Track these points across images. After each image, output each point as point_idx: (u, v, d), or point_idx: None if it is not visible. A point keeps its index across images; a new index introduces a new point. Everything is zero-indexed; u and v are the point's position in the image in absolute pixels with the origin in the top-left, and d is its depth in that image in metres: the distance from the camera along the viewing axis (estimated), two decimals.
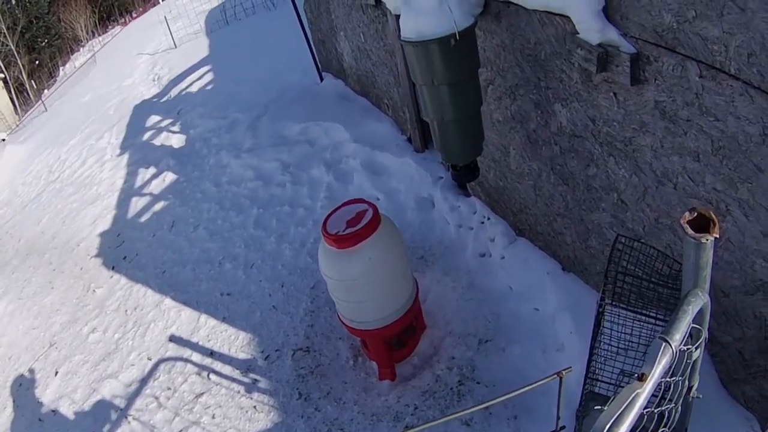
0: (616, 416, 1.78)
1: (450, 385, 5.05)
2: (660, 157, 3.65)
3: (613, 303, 3.63)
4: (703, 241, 2.10)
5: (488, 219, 6.16)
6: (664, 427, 2.55)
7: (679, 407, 2.70)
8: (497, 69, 5.00)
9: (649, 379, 1.90)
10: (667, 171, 3.65)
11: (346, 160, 7.93)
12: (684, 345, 2.24)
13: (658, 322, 3.60)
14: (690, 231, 2.11)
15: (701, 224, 2.12)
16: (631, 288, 3.64)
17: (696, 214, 2.12)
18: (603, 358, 3.76)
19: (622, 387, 3.71)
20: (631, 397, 1.84)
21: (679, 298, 3.47)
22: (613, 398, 1.86)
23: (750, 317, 3.52)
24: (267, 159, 8.62)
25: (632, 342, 3.77)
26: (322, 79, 10.26)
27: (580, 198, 4.67)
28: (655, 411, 2.37)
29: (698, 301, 2.21)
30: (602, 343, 3.73)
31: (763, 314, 3.41)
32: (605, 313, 3.64)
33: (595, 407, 3.38)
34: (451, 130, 4.53)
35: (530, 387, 2.57)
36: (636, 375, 1.94)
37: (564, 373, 2.55)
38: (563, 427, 2.74)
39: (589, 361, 3.70)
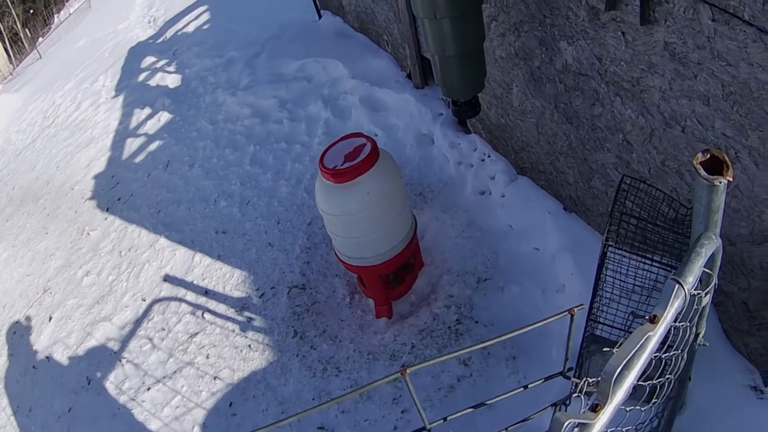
0: (627, 358, 1.72)
1: (448, 324, 4.99)
2: (668, 99, 3.55)
3: (617, 245, 3.55)
4: (716, 183, 2.02)
5: (489, 156, 6.04)
6: (670, 374, 2.53)
7: (685, 354, 2.68)
8: (501, 4, 4.86)
9: (661, 321, 1.84)
10: (675, 113, 3.56)
11: (345, 96, 7.78)
12: (695, 289, 2.18)
13: (661, 267, 3.56)
14: (703, 172, 2.02)
15: (714, 166, 2.04)
16: (635, 231, 3.57)
17: (709, 155, 2.03)
18: (605, 301, 3.74)
19: (626, 330, 3.66)
20: (643, 339, 1.78)
21: (684, 244, 3.41)
22: (624, 340, 1.79)
23: (756, 268, 3.46)
24: (264, 96, 8.48)
25: (635, 285, 3.76)
26: (320, 17, 10.05)
27: (584, 137, 4.58)
28: (663, 356, 2.33)
29: (711, 244, 2.14)
30: (605, 286, 3.69)
31: None
32: (608, 255, 3.56)
33: (604, 349, 3.29)
34: (452, 65, 4.40)
35: (537, 325, 2.45)
36: (647, 317, 1.87)
37: (576, 310, 2.42)
38: (571, 369, 2.62)
39: (592, 303, 3.64)
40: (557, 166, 5.11)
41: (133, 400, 5.48)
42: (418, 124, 6.88)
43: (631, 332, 2.16)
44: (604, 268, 3.56)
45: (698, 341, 2.85)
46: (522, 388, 2.64)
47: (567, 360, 2.68)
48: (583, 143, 4.61)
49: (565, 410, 2.55)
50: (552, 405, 2.60)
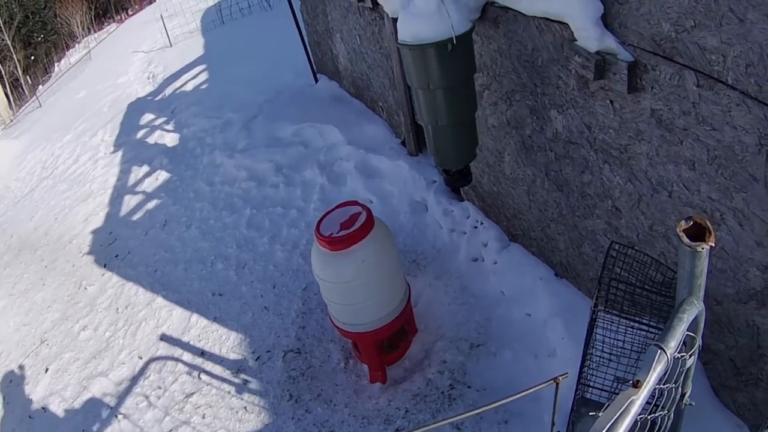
0: (611, 423, 1.76)
1: (441, 389, 5.05)
2: (655, 165, 3.67)
3: (606, 309, 3.65)
4: (699, 249, 2.10)
5: (481, 224, 6.17)
6: None
7: (672, 414, 2.70)
8: (494, 74, 5.02)
9: (644, 385, 1.89)
10: (662, 179, 3.67)
11: (340, 162, 7.92)
12: (678, 352, 2.24)
13: (650, 330, 3.62)
14: (686, 239, 2.10)
15: (697, 233, 2.12)
16: (624, 295, 3.66)
17: (692, 222, 2.12)
18: (595, 364, 3.77)
19: (615, 393, 3.74)
20: (626, 404, 1.82)
21: (672, 306, 3.50)
22: (608, 404, 1.83)
23: (743, 326, 3.54)
24: (260, 159, 8.60)
25: (624, 349, 3.78)
26: (317, 81, 10.26)
27: (574, 204, 4.69)
28: (648, 417, 2.37)
29: (693, 310, 2.20)
30: (595, 349, 3.74)
31: (756, 323, 3.43)
32: (598, 320, 3.66)
33: (589, 413, 3.39)
34: (445, 134, 4.56)
35: (526, 393, 2.56)
36: (631, 381, 1.91)
37: (561, 378, 2.54)
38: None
39: (582, 366, 3.69)
40: (548, 233, 5.22)
41: None
42: (412, 191, 7.02)
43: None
44: (593, 333, 3.65)
45: (684, 401, 2.88)
46: None
47: (554, 425, 2.80)
48: (573, 210, 4.72)
49: None
50: None
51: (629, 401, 1.83)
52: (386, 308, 5.02)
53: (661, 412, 2.48)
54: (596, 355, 3.76)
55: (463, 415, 2.51)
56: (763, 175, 2.98)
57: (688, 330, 2.30)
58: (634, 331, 3.69)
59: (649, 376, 1.91)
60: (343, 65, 9.21)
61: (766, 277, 3.24)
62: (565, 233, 4.97)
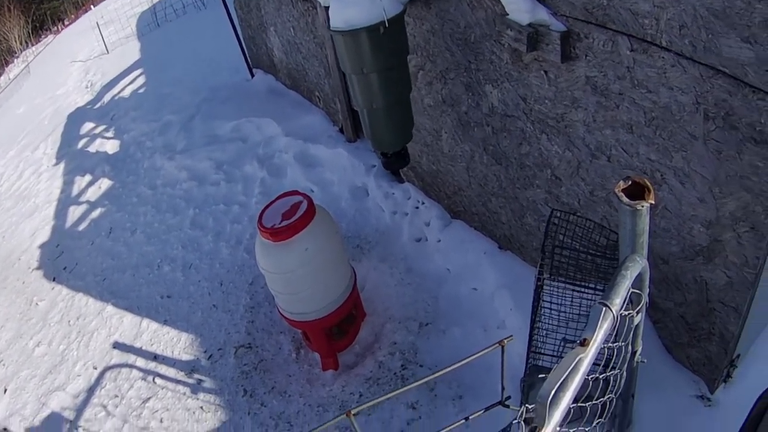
0: (560, 382, 1.77)
1: (393, 370, 5.12)
2: (593, 131, 3.73)
3: (551, 277, 3.70)
4: (638, 207, 2.12)
5: (423, 203, 6.22)
6: (610, 393, 2.56)
7: (624, 373, 2.71)
8: (427, 54, 5.06)
9: (591, 343, 1.89)
10: (600, 144, 3.73)
11: (279, 154, 7.94)
12: (625, 310, 2.25)
13: (597, 293, 3.66)
14: (625, 199, 2.11)
15: (636, 192, 2.14)
16: (568, 261, 3.70)
17: (630, 182, 2.14)
18: (544, 332, 3.81)
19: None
20: (574, 362, 1.83)
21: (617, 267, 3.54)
22: (557, 365, 1.83)
23: (691, 282, 3.61)
24: (200, 158, 8.57)
25: (573, 314, 3.83)
26: (253, 76, 10.24)
27: (513, 176, 4.75)
28: (600, 377, 2.40)
29: (636, 266, 2.19)
30: (543, 317, 3.79)
31: (704, 278, 3.50)
32: (544, 288, 3.71)
33: (539, 376, 3.43)
34: (381, 117, 4.58)
35: (471, 358, 2.59)
36: (578, 341, 1.92)
37: (506, 341, 2.57)
38: (509, 397, 2.76)
39: (531, 335, 3.75)
40: (490, 207, 5.28)
41: None
42: (352, 177, 7.06)
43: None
44: (540, 300, 3.69)
45: (636, 359, 2.90)
46: (463, 420, 2.77)
47: (504, 389, 2.83)
48: (513, 182, 4.78)
49: None
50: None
51: (577, 359, 1.84)
52: (332, 295, 5.06)
53: (612, 371, 2.50)
54: (545, 323, 3.81)
55: (412, 385, 2.53)
56: (701, 133, 3.04)
57: (633, 287, 2.30)
58: (582, 295, 3.75)
59: (596, 333, 1.91)
60: (279, 58, 9.19)
61: (710, 233, 3.30)
62: (507, 206, 5.03)
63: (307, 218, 4.77)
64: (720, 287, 3.44)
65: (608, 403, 2.58)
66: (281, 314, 5.26)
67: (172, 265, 7.21)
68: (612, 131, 3.60)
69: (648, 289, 2.56)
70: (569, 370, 1.80)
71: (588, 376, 2.35)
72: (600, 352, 2.41)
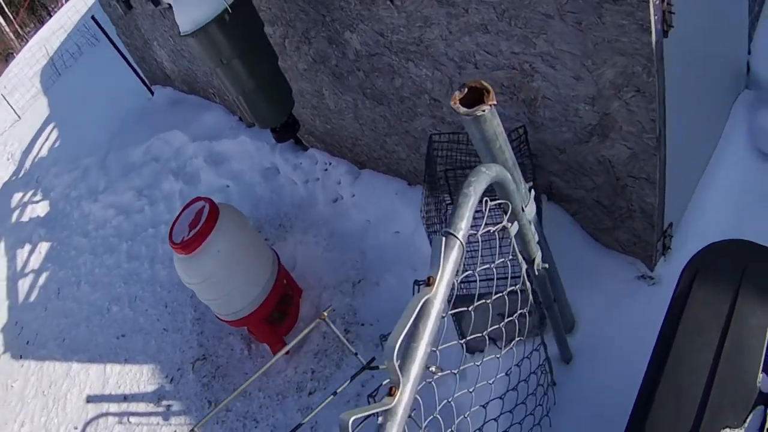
0: (405, 331, 1.61)
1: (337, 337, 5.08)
2: (452, 43, 3.66)
3: (440, 199, 3.65)
4: (478, 114, 2.01)
5: (330, 164, 6.18)
6: (521, 309, 2.52)
7: (529, 284, 2.65)
8: (287, 21, 5.02)
9: (437, 280, 1.73)
10: (463, 54, 3.66)
11: (190, 161, 7.88)
12: (494, 223, 2.15)
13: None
14: (462, 109, 2.00)
15: (476, 98, 2.03)
16: (456, 179, 3.65)
17: (467, 89, 2.03)
18: None
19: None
20: (419, 305, 1.66)
21: None
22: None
23: (594, 164, 3.52)
24: (122, 191, 8.50)
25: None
26: (152, 93, 10.19)
27: (397, 112, 4.72)
28: (506, 296, 2.33)
29: (482, 178, 2.03)
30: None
31: (605, 156, 3.41)
32: (434, 212, 3.68)
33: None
34: (256, 98, 4.53)
35: (303, 334, 2.57)
36: (422, 281, 1.76)
37: (325, 314, 2.54)
38: (373, 359, 2.73)
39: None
40: (387, 148, 5.24)
41: None
42: (260, 160, 7.01)
43: None
44: (431, 228, 3.66)
45: (536, 266, 2.78)
46: (332, 396, 2.74)
47: (356, 354, 2.75)
48: (399, 117, 4.75)
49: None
50: (369, 396, 2.66)
51: (424, 300, 1.68)
52: (259, 284, 5.03)
53: (512, 287, 2.43)
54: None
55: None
56: (555, 9, 2.92)
57: (499, 196, 2.24)
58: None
59: (442, 268, 1.76)
60: (170, 68, 9.19)
61: (597, 109, 3.20)
62: (402, 142, 5.00)
63: (211, 222, 4.75)
64: (624, 161, 3.33)
65: (520, 320, 2.51)
66: (219, 318, 5.24)
67: (119, 304, 7.17)
68: (470, 37, 3.52)
69: (525, 193, 2.46)
70: (414, 315, 1.65)
71: (485, 299, 2.24)
72: (489, 275, 2.30)
